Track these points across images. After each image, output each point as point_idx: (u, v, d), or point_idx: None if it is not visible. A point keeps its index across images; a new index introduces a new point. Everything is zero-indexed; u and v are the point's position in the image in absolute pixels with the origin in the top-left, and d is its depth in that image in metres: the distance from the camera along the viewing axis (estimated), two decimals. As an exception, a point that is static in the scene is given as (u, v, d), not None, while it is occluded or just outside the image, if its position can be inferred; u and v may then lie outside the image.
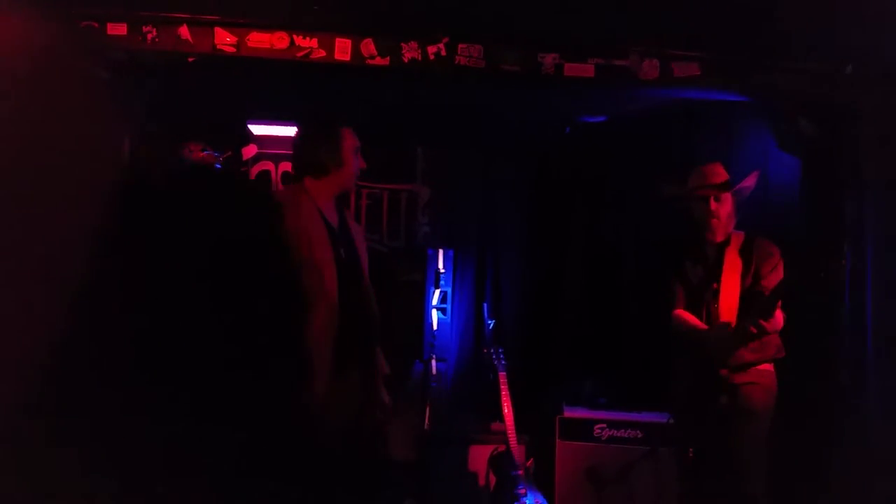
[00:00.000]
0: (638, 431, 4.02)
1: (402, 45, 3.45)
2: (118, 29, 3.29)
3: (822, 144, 3.69)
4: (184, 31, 3.33)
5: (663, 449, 3.77)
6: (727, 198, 3.24)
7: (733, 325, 3.12)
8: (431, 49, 3.47)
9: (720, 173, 3.29)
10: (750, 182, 3.30)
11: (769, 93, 3.68)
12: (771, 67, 3.63)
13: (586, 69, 3.57)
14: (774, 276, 3.13)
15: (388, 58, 3.44)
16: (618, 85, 3.67)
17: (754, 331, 2.98)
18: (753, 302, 3.07)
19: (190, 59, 3.40)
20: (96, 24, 3.28)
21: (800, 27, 3.39)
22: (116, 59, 3.40)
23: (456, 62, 3.49)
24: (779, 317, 3.08)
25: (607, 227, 5.00)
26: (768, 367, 3.19)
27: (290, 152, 5.42)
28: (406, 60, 3.46)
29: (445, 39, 3.47)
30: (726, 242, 3.27)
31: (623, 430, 4.02)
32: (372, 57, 3.44)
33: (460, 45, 3.48)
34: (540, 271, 5.22)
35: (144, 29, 3.31)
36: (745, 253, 3.23)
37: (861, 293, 3.48)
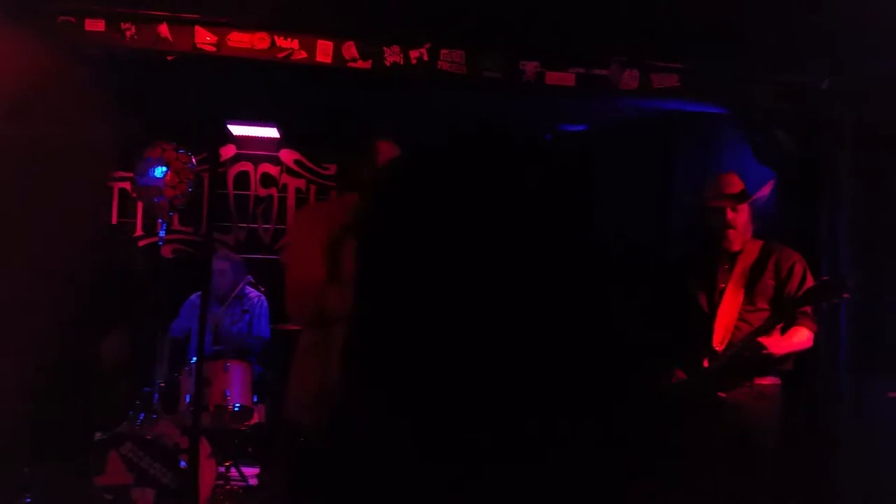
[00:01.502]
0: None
1: (385, 48, 3.44)
2: (96, 25, 3.24)
3: (799, 157, 3.74)
4: (163, 30, 3.29)
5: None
6: (744, 208, 3.16)
7: (729, 335, 3.05)
8: (413, 53, 3.46)
9: (736, 183, 3.22)
10: (766, 192, 3.26)
11: (747, 105, 3.72)
12: (749, 81, 3.67)
13: (567, 78, 3.58)
14: (800, 284, 3.07)
15: (370, 61, 3.43)
16: (598, 94, 3.69)
17: (758, 353, 2.91)
18: (774, 313, 3.03)
19: (169, 58, 3.37)
20: (74, 20, 3.23)
21: (778, 42, 3.43)
22: (93, 55, 3.35)
23: (438, 67, 3.48)
24: (804, 334, 3.00)
25: (585, 233, 5.02)
26: (774, 380, 3.09)
27: (269, 153, 5.42)
28: (388, 64, 3.45)
29: (428, 44, 3.46)
30: (740, 251, 3.19)
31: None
32: (353, 60, 3.42)
33: (442, 51, 3.48)
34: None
35: (123, 26, 3.26)
36: (761, 262, 3.15)
37: (836, 303, 3.51)
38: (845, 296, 2.94)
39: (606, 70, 3.60)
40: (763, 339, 2.93)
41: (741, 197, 3.19)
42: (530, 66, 3.55)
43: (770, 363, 3.02)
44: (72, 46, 3.29)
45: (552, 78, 3.58)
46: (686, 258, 3.38)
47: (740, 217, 3.16)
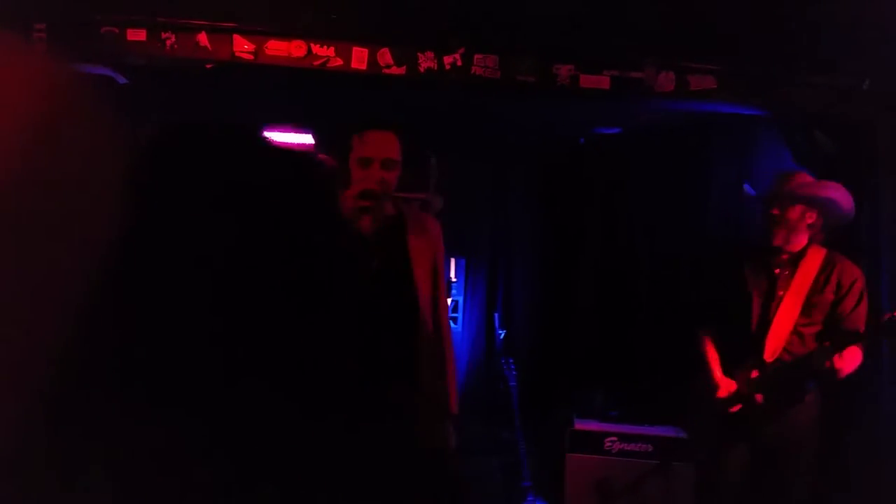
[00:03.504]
0: (649, 445, 3.99)
1: (419, 54, 3.47)
2: (138, 35, 3.32)
3: (839, 159, 3.67)
4: (202, 38, 3.35)
5: (675, 464, 3.75)
6: (794, 208, 3.04)
7: (781, 347, 2.98)
8: (447, 59, 3.48)
9: (789, 182, 3.09)
10: (828, 193, 3.05)
11: (786, 107, 3.67)
12: (788, 82, 3.62)
13: (602, 81, 3.57)
14: (855, 305, 2.98)
15: (405, 67, 3.46)
16: (633, 97, 3.66)
17: (827, 364, 2.81)
18: (831, 334, 2.95)
19: (208, 66, 3.43)
20: (116, 30, 3.31)
21: (817, 42, 3.39)
22: (134, 65, 3.43)
23: (471, 72, 3.49)
24: (857, 353, 2.88)
25: (620, 237, 4.99)
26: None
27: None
28: (422, 70, 3.47)
29: (461, 50, 3.48)
30: (800, 255, 3.07)
31: (634, 444, 4.00)
32: (388, 66, 3.45)
33: (476, 56, 3.49)
34: (552, 282, 5.21)
35: (163, 35, 3.33)
36: (823, 274, 3.03)
37: (877, 308, 3.45)
38: None
39: (642, 73, 3.58)
40: (837, 362, 2.82)
41: (786, 195, 3.06)
42: (564, 70, 3.54)
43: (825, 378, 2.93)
44: (114, 56, 3.37)
45: (587, 81, 3.56)
46: (742, 258, 3.23)
47: (787, 214, 3.03)
